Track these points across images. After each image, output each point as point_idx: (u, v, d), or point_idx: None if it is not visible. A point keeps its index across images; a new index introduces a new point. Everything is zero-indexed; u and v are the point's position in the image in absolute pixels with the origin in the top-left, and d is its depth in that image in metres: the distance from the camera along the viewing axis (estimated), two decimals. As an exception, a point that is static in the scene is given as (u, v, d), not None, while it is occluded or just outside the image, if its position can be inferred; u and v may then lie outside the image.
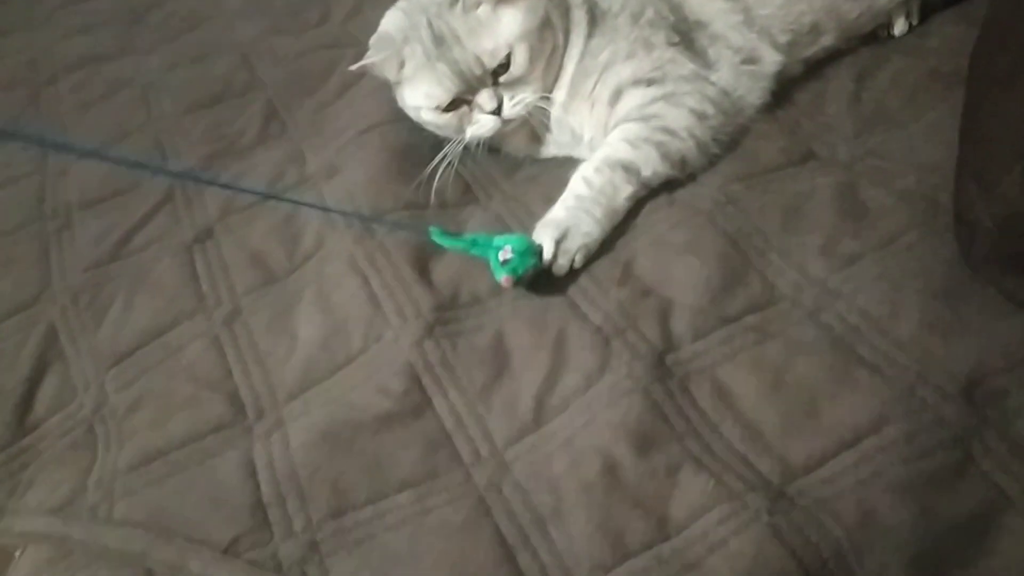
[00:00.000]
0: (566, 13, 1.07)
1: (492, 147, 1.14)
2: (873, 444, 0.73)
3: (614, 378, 0.84)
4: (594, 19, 1.08)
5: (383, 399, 0.88)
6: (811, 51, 1.13)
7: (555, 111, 1.09)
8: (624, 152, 1.01)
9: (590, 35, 1.08)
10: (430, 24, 1.04)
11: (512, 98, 1.06)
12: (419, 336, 0.92)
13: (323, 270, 1.05)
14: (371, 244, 1.04)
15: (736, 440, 0.77)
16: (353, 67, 1.11)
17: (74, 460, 0.94)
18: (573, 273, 0.96)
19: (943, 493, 0.69)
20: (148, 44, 1.69)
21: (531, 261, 0.92)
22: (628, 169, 1.00)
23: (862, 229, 0.91)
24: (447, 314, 0.95)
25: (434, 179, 1.10)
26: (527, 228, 1.00)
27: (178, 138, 1.38)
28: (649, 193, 1.02)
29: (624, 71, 1.05)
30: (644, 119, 1.03)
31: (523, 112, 1.06)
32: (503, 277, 0.91)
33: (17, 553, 0.91)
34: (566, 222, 0.96)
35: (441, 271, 1.00)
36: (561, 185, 1.02)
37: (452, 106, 1.07)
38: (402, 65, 1.08)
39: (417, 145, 1.16)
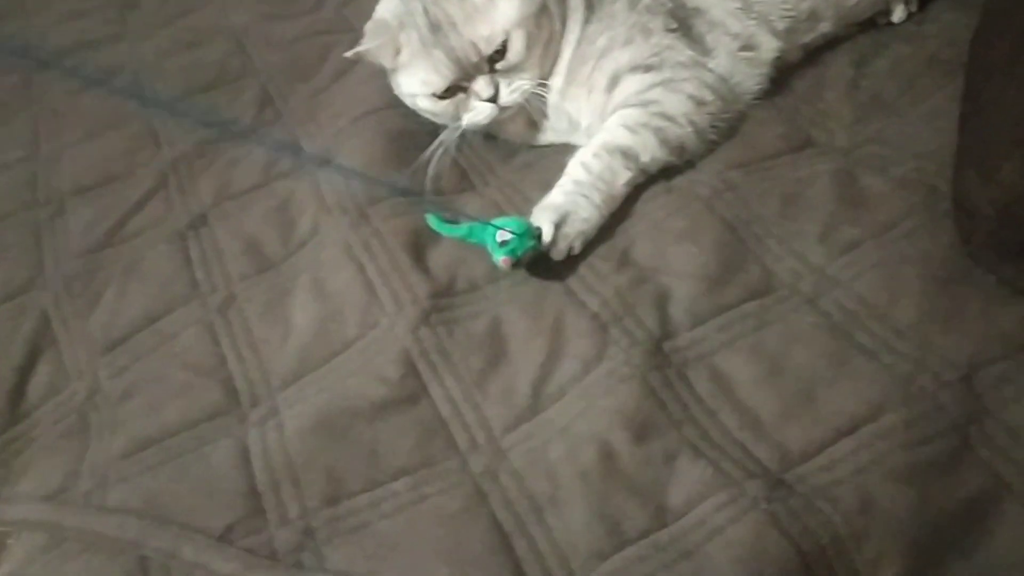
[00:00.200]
0: (563, -1, 1.07)
1: (489, 134, 1.14)
2: (871, 431, 0.73)
3: (611, 365, 0.83)
4: (591, 5, 1.07)
5: (379, 386, 0.87)
6: (809, 38, 1.13)
7: (552, 98, 1.08)
8: (623, 138, 1.00)
9: (587, 21, 1.07)
10: (426, 10, 1.03)
11: (509, 85, 1.05)
12: (415, 323, 0.92)
13: (318, 257, 1.05)
14: (367, 230, 1.03)
15: (734, 427, 0.77)
16: (348, 54, 1.10)
17: (67, 447, 0.93)
18: (570, 259, 0.95)
19: (941, 480, 0.69)
20: (142, 29, 1.67)
21: (530, 243, 0.91)
22: (627, 155, 0.99)
23: (860, 216, 0.91)
24: (443, 301, 0.94)
25: (430, 166, 1.09)
26: (523, 214, 1.00)
27: (172, 124, 1.37)
28: (647, 179, 1.02)
29: (622, 57, 1.05)
30: (642, 105, 1.02)
31: (520, 99, 1.06)
32: (502, 258, 0.91)
33: (10, 541, 0.90)
34: (565, 207, 0.96)
35: (437, 257, 0.99)
36: (558, 172, 1.02)
37: (448, 93, 1.06)
38: (398, 52, 1.07)
39: (413, 132, 1.15)
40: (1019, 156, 0.73)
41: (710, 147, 1.04)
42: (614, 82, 1.05)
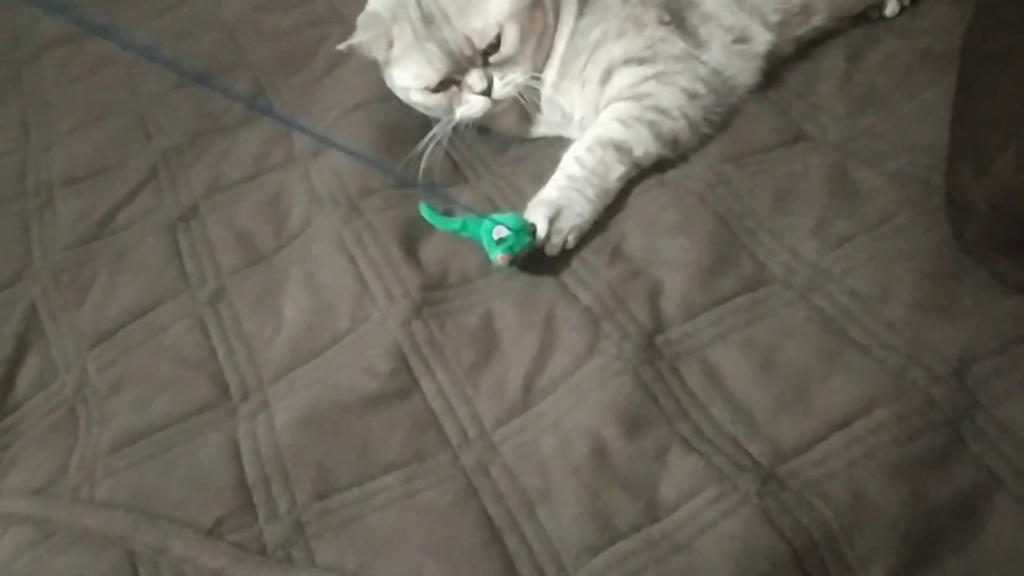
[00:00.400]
0: (557, -9, 1.06)
1: (481, 127, 1.13)
2: (863, 426, 0.72)
3: (603, 359, 0.83)
4: (585, -2, 1.07)
5: (370, 380, 0.87)
6: (802, 31, 1.12)
7: (545, 91, 1.08)
8: (616, 131, 1.00)
9: (580, 14, 1.06)
10: (419, 3, 1.02)
11: (502, 78, 1.05)
12: (406, 316, 0.91)
13: (310, 250, 1.04)
14: (359, 223, 1.03)
15: (726, 422, 0.76)
16: (340, 46, 1.09)
17: (55, 441, 0.93)
18: (563, 253, 0.95)
19: (933, 475, 0.69)
20: (133, 20, 1.66)
21: (527, 240, 0.91)
22: (620, 148, 0.99)
23: (853, 210, 0.90)
24: (435, 294, 0.94)
25: (423, 158, 1.08)
26: (516, 208, 0.99)
27: (162, 115, 1.36)
28: (640, 173, 1.01)
29: (615, 50, 1.04)
30: (635, 98, 1.02)
31: (513, 92, 1.05)
32: (499, 255, 0.90)
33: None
34: (559, 202, 0.95)
35: (429, 251, 0.99)
36: (551, 165, 1.01)
37: (441, 86, 1.06)
38: (390, 45, 1.07)
39: (405, 124, 1.14)
40: (1012, 150, 0.73)
41: (703, 140, 1.03)
42: (607, 75, 1.05)
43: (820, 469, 0.71)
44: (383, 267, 0.98)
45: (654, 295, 0.88)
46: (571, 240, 0.94)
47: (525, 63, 1.05)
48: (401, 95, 1.11)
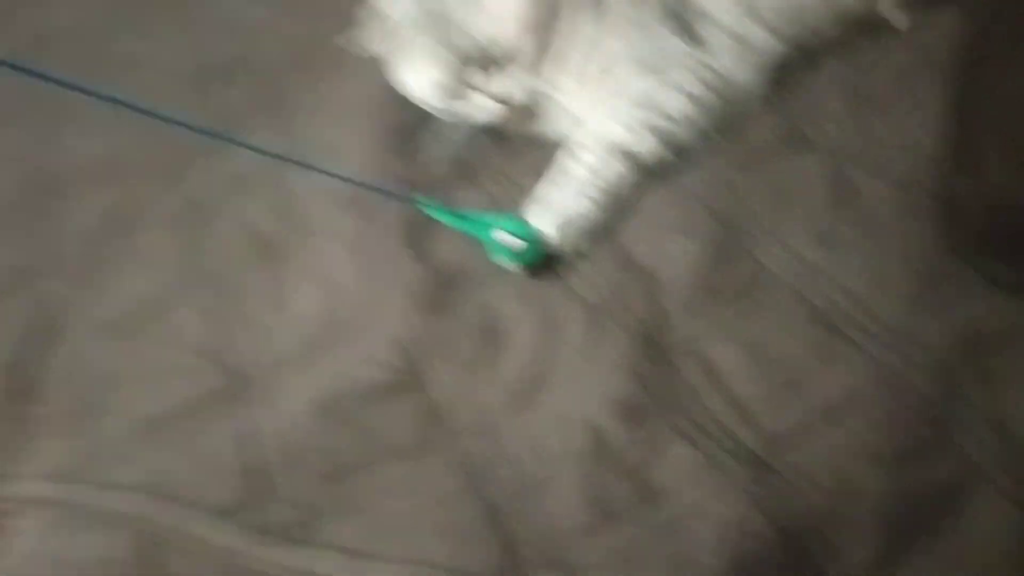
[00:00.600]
0: (564, -5, 1.09)
1: (489, 128, 1.15)
2: (853, 417, 0.75)
3: (603, 353, 0.86)
4: (595, 3, 1.09)
5: (375, 371, 0.90)
6: (807, 38, 1.15)
7: (551, 91, 1.10)
8: (620, 135, 1.02)
9: (589, 19, 1.09)
10: (427, 5, 1.05)
11: (509, 79, 1.07)
12: (412, 310, 0.94)
13: (318, 245, 1.07)
14: (365, 219, 1.05)
15: (721, 413, 0.79)
16: (348, 45, 1.12)
17: (72, 427, 0.95)
18: (567, 252, 0.97)
19: (918, 464, 0.72)
20: (147, 21, 1.69)
21: (532, 243, 0.94)
22: (624, 151, 1.01)
23: (851, 212, 0.93)
24: (440, 289, 0.96)
25: (429, 157, 1.11)
26: (520, 205, 1.02)
27: (173, 114, 1.38)
28: (643, 174, 1.04)
29: (621, 53, 1.07)
30: (641, 102, 1.04)
31: (520, 93, 1.08)
32: (506, 260, 0.94)
33: (11, 521, 0.92)
34: (564, 204, 0.98)
35: (435, 246, 1.01)
36: (554, 164, 1.04)
37: (449, 87, 1.08)
38: (400, 47, 1.09)
39: (412, 123, 1.16)
40: (1002, 155, 0.75)
41: (706, 143, 1.06)
42: (615, 79, 1.07)
43: (810, 458, 0.74)
44: (389, 262, 1.00)
45: (654, 292, 0.91)
46: (575, 240, 0.97)
47: (533, 65, 1.07)
48: (409, 96, 1.14)
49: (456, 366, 0.89)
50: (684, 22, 1.09)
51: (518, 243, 0.93)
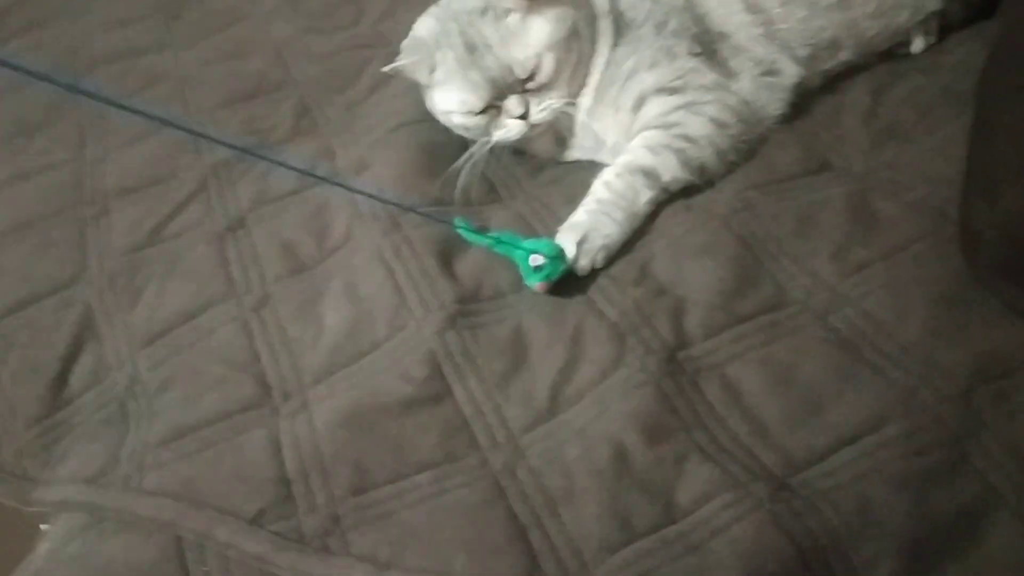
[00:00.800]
0: (593, 22, 1.11)
1: (517, 149, 1.18)
2: (873, 441, 0.76)
3: (627, 372, 0.87)
4: (619, 29, 1.11)
5: (405, 385, 0.91)
6: (829, 65, 1.17)
7: (580, 116, 1.12)
8: (645, 158, 1.04)
9: (615, 44, 1.11)
10: (462, 31, 1.08)
11: (539, 103, 1.09)
12: (441, 326, 0.96)
13: (351, 261, 1.09)
14: (397, 237, 1.08)
15: (742, 433, 0.80)
16: (385, 68, 1.14)
17: (107, 434, 0.98)
18: (593, 272, 0.99)
19: (938, 489, 0.72)
20: (186, 39, 1.73)
21: (563, 266, 0.96)
22: (648, 174, 1.03)
23: (872, 238, 0.94)
24: (469, 306, 0.98)
25: (460, 177, 1.13)
26: (549, 228, 1.04)
27: (212, 131, 1.41)
28: (668, 197, 1.06)
29: (647, 79, 1.09)
30: (665, 127, 1.06)
31: (549, 117, 1.10)
32: (539, 284, 0.96)
33: (43, 527, 0.95)
34: (587, 224, 1.00)
35: (465, 265, 1.03)
36: (583, 187, 1.06)
37: (481, 110, 1.10)
38: (432, 70, 1.12)
39: (444, 144, 1.19)
40: (1022, 184, 0.76)
41: (730, 168, 1.08)
42: (639, 103, 1.09)
43: (830, 479, 0.75)
44: (420, 279, 1.02)
45: (678, 313, 0.92)
46: (599, 260, 0.99)
47: (561, 90, 1.10)
48: (441, 118, 1.16)
49: (484, 382, 0.91)
50: (712, 50, 1.11)
51: (551, 265, 0.95)
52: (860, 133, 1.10)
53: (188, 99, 1.53)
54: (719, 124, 1.06)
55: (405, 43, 1.16)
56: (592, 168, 1.10)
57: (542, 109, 1.09)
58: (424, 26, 1.15)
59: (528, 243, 0.97)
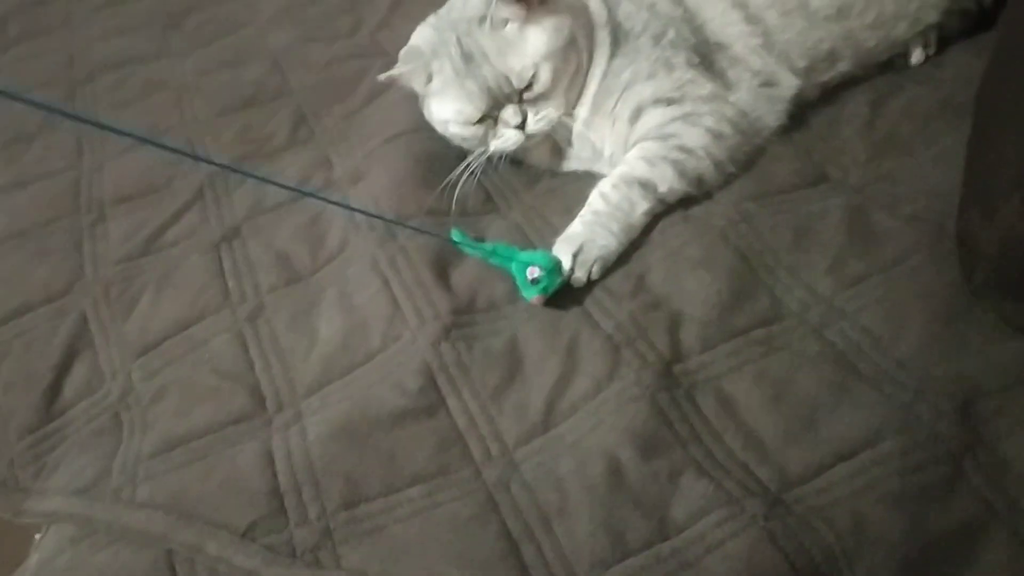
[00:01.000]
0: (590, 33, 1.11)
1: (514, 159, 1.18)
2: (869, 457, 0.76)
3: (622, 385, 0.87)
4: (617, 40, 1.11)
5: (399, 397, 0.91)
6: (828, 76, 1.16)
7: (577, 127, 1.12)
8: (641, 170, 1.04)
9: (613, 55, 1.11)
10: (459, 41, 1.07)
11: (536, 114, 1.09)
12: (436, 338, 0.95)
13: (345, 271, 1.09)
14: (393, 247, 1.08)
15: (737, 448, 0.80)
16: (381, 77, 1.15)
17: (99, 445, 0.97)
18: (588, 284, 0.99)
19: (934, 505, 0.72)
20: (184, 48, 1.73)
21: (559, 279, 0.96)
22: (645, 186, 1.03)
23: (869, 251, 0.94)
24: (464, 318, 0.98)
25: (456, 187, 1.13)
26: (545, 238, 1.04)
27: (209, 140, 1.42)
28: (665, 209, 1.05)
29: (645, 90, 1.09)
30: (662, 138, 1.06)
31: (546, 128, 1.10)
32: (535, 297, 0.95)
33: (37, 535, 0.94)
34: (583, 236, 1.00)
35: (460, 276, 1.03)
36: (580, 198, 1.06)
37: (478, 120, 1.10)
38: (429, 79, 1.12)
39: (441, 154, 1.19)
40: (1018, 197, 0.76)
41: (728, 179, 1.07)
42: (637, 114, 1.09)
43: (825, 496, 0.74)
44: (415, 290, 1.02)
45: (674, 325, 0.92)
46: (595, 272, 0.98)
47: (558, 100, 1.10)
48: (438, 127, 1.16)
49: (478, 394, 0.90)
50: (709, 61, 1.11)
51: (547, 278, 0.94)
52: (858, 145, 1.10)
53: (186, 107, 1.54)
54: (716, 135, 1.06)
55: (403, 52, 1.16)
56: (589, 179, 1.10)
57: (539, 119, 1.09)
58: (421, 35, 1.15)
59: (524, 255, 0.97)
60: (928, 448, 0.75)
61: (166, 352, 1.05)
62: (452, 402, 0.90)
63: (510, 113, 1.09)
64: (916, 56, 1.20)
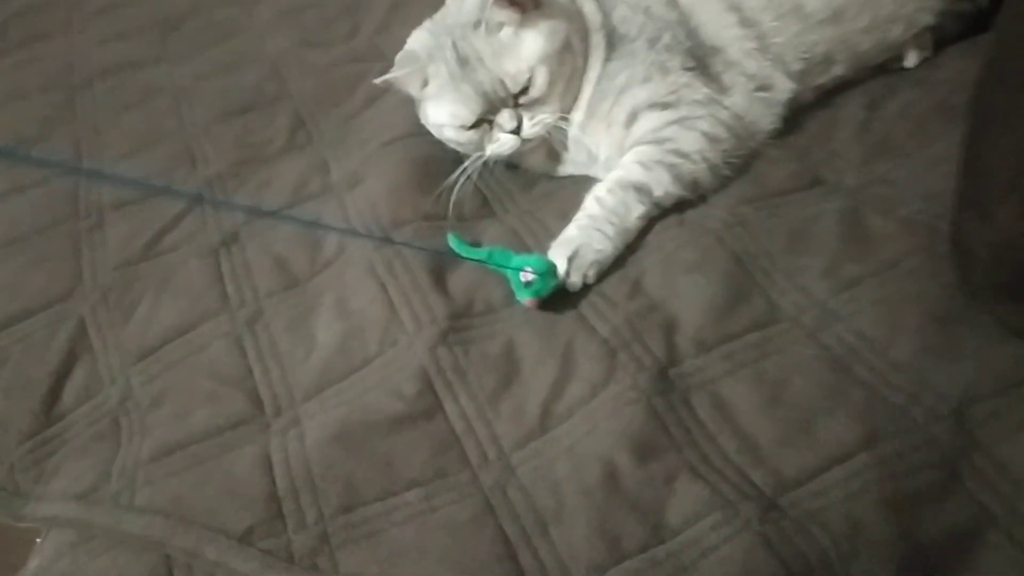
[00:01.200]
0: (585, 37, 1.11)
1: (510, 163, 1.18)
2: (864, 460, 0.76)
3: (618, 389, 0.87)
4: (612, 43, 1.12)
5: (396, 401, 0.91)
6: (823, 79, 1.16)
7: (572, 131, 1.12)
8: (637, 174, 1.04)
9: (608, 59, 1.11)
10: (455, 45, 1.08)
11: (532, 118, 1.10)
12: (433, 342, 0.95)
13: (343, 276, 1.09)
14: (390, 252, 1.07)
15: (732, 452, 0.80)
16: (377, 80, 1.15)
17: (98, 450, 0.97)
18: (584, 288, 0.99)
19: (930, 509, 0.72)
20: (182, 53, 1.73)
21: (553, 282, 0.96)
22: (640, 190, 1.03)
23: (864, 254, 0.94)
24: (461, 322, 0.98)
25: (453, 192, 1.13)
26: (542, 242, 1.04)
27: (208, 144, 1.42)
28: (660, 213, 1.05)
29: (640, 94, 1.09)
30: (658, 142, 1.06)
31: (542, 132, 1.10)
32: (528, 300, 0.95)
33: (38, 540, 0.95)
34: (579, 240, 1.00)
35: (456, 281, 1.03)
36: (576, 202, 1.06)
37: (473, 124, 1.11)
38: (425, 83, 1.12)
39: (438, 158, 1.19)
40: (1013, 200, 0.76)
41: (723, 183, 1.07)
42: (632, 118, 1.09)
43: (820, 500, 0.74)
44: (412, 295, 1.02)
45: (669, 329, 0.92)
46: (591, 276, 0.99)
47: (554, 104, 1.10)
48: (434, 131, 1.17)
49: (475, 398, 0.91)
50: (704, 65, 1.11)
51: (541, 281, 0.95)
52: (853, 148, 1.10)
53: (184, 112, 1.54)
54: (712, 139, 1.06)
55: (399, 56, 1.16)
56: (585, 183, 1.10)
57: (535, 124, 1.09)
58: (417, 40, 1.15)
59: (519, 259, 0.97)
60: (923, 452, 0.76)
61: (165, 357, 1.06)
62: (449, 406, 0.91)
63: (506, 117, 1.09)
64: (911, 59, 1.21)
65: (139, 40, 1.82)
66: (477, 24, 1.07)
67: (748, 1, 1.13)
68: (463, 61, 1.07)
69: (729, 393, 0.85)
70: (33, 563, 0.90)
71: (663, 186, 1.03)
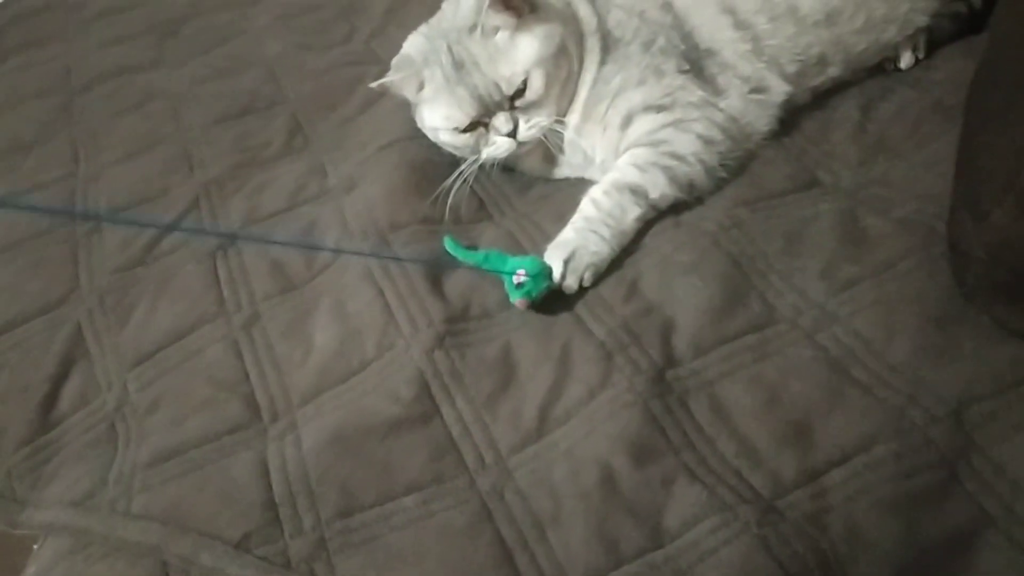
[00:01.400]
0: (580, 40, 1.11)
1: (506, 166, 1.18)
2: (862, 462, 0.76)
3: (615, 392, 0.87)
4: (607, 47, 1.12)
5: (393, 405, 0.91)
6: (818, 81, 1.16)
7: (568, 134, 1.12)
8: (632, 176, 1.04)
9: (603, 62, 1.11)
10: (450, 49, 1.08)
11: (527, 121, 1.10)
12: (430, 346, 0.95)
13: (340, 280, 1.09)
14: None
15: (730, 454, 0.80)
16: (373, 84, 1.15)
17: (95, 456, 0.97)
18: (580, 290, 0.99)
19: (928, 511, 0.72)
20: (180, 57, 1.73)
21: (544, 284, 0.96)
22: (636, 192, 1.03)
23: (861, 255, 0.94)
24: (457, 326, 0.98)
25: (449, 195, 1.13)
26: (538, 245, 1.04)
27: (205, 148, 1.42)
28: (657, 215, 1.05)
29: (635, 97, 1.09)
30: (653, 144, 1.06)
31: (537, 135, 1.10)
32: (518, 300, 0.95)
33: (35, 546, 0.94)
34: (575, 242, 1.00)
35: (453, 284, 1.03)
36: (572, 204, 1.06)
37: (469, 127, 1.11)
38: (421, 86, 1.12)
39: (434, 162, 1.19)
40: (1009, 201, 0.76)
41: (719, 184, 1.07)
42: (628, 121, 1.09)
43: (819, 502, 0.74)
44: (409, 298, 1.02)
45: (666, 331, 0.92)
46: (587, 278, 0.99)
47: (549, 107, 1.10)
48: (430, 134, 1.17)
49: (472, 402, 0.90)
50: (699, 67, 1.11)
51: (532, 282, 0.94)
52: (849, 149, 1.10)
53: (181, 116, 1.54)
54: (707, 141, 1.06)
55: (395, 60, 1.16)
56: (581, 185, 1.09)
57: (530, 127, 1.09)
58: (413, 44, 1.15)
59: (515, 261, 0.97)
60: (922, 453, 0.75)
61: (161, 362, 1.05)
62: (446, 410, 0.90)
63: (501, 121, 1.09)
64: (906, 60, 1.21)
65: (136, 45, 1.82)
66: (473, 28, 1.07)
67: (742, 4, 1.13)
68: (458, 65, 1.07)
69: (726, 395, 0.85)
70: (31, 569, 0.90)
71: (659, 188, 1.03)
